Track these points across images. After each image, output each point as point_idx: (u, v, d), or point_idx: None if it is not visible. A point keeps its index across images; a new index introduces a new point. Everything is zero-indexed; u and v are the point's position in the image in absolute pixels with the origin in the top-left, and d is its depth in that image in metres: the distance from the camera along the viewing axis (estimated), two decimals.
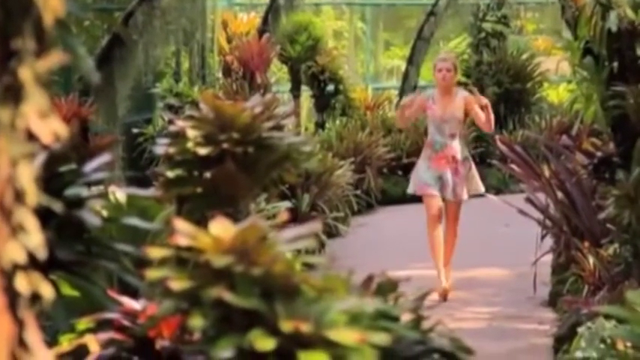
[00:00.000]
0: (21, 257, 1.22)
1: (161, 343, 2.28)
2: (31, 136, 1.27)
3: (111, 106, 12.78)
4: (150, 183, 3.22)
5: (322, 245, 10.73)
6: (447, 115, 8.73)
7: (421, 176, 8.74)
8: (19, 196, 1.22)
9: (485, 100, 8.88)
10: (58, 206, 1.79)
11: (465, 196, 8.67)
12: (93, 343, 2.42)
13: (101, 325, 2.51)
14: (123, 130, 14.18)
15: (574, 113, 8.24)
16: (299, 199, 10.99)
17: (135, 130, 15.62)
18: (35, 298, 1.28)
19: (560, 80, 18.88)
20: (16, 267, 1.23)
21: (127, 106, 14.04)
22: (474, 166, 8.90)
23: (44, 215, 1.82)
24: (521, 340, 7.20)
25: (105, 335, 2.41)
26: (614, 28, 6.35)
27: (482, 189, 8.87)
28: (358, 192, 13.62)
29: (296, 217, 9.87)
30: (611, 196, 6.36)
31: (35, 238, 1.24)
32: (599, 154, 6.85)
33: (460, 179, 8.65)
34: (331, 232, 11.62)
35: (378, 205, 14.41)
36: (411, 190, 8.92)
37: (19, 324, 1.25)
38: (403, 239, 11.07)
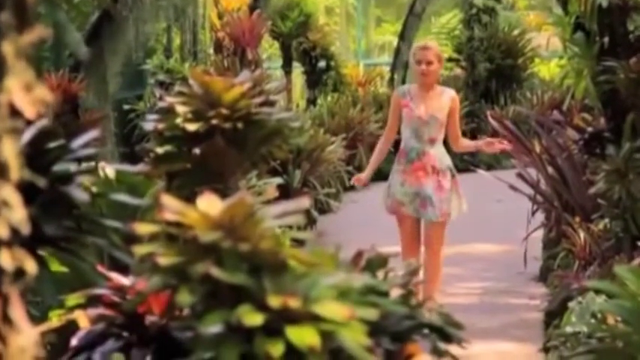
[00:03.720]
0: (4, 233, 1.21)
1: (150, 319, 2.27)
2: (15, 112, 1.26)
3: (101, 83, 12.75)
4: (141, 159, 3.22)
5: (314, 221, 10.75)
6: (427, 115, 7.00)
7: (393, 192, 7.20)
8: (2, 171, 1.21)
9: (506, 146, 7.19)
10: (42, 182, 1.78)
11: (454, 215, 7.05)
12: (82, 318, 2.42)
13: (91, 301, 2.51)
14: (114, 107, 14.17)
15: (565, 89, 8.23)
16: (290, 176, 10.99)
17: (126, 107, 15.61)
18: (20, 273, 1.27)
19: (551, 56, 18.89)
20: None
21: (118, 83, 14.02)
22: (458, 179, 7.17)
23: (32, 191, 1.81)
24: (512, 315, 7.23)
25: (94, 311, 2.40)
26: (604, 4, 6.33)
27: (465, 208, 7.12)
28: (350, 168, 13.62)
29: (287, 193, 9.88)
30: (602, 171, 6.37)
31: (18, 214, 1.23)
32: (589, 129, 6.84)
33: (445, 194, 7.00)
34: (323, 208, 11.66)
35: (370, 181, 14.39)
36: (383, 204, 7.38)
37: (4, 300, 1.25)
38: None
